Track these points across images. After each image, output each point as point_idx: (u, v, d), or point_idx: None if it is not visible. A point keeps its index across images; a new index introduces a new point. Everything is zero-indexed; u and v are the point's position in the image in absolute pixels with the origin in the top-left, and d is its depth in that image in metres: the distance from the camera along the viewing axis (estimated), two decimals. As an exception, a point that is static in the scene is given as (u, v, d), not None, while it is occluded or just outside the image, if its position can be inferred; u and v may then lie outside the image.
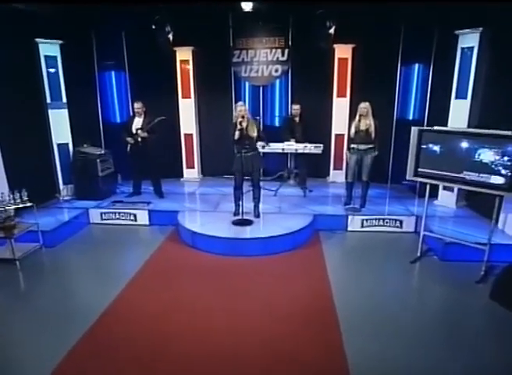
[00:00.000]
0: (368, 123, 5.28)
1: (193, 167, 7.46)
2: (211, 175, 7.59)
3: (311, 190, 6.53)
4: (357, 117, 5.34)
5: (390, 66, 6.49)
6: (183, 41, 6.52)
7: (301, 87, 6.87)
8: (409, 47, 6.27)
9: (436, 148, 4.11)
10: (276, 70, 6.95)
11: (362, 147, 5.36)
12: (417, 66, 6.31)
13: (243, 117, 4.82)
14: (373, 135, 5.29)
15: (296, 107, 6.39)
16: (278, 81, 7.10)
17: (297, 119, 6.46)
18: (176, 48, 6.71)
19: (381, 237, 5.24)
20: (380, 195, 6.27)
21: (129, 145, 5.94)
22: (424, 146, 4.19)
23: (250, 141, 4.95)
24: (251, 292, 3.88)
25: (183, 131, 7.24)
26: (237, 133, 4.84)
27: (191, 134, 7.26)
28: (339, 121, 6.81)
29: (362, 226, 5.41)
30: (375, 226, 5.39)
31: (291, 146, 6.25)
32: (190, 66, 6.91)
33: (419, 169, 4.32)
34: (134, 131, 5.91)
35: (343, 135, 6.81)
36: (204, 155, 7.58)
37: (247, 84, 7.14)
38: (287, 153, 6.74)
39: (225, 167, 7.13)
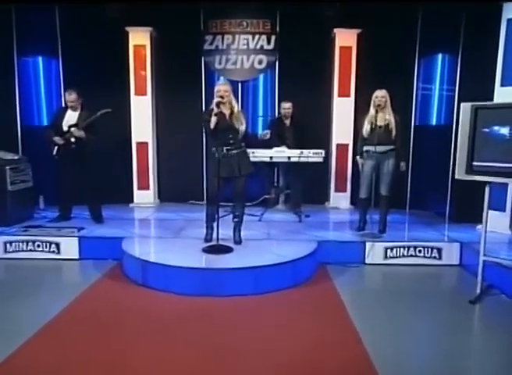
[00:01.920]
0: (387, 117, 4.51)
1: (148, 188, 6.34)
2: (171, 200, 6.47)
3: (307, 215, 5.51)
4: (372, 110, 4.55)
5: (406, 57, 5.89)
6: (139, 20, 5.74)
7: (292, 83, 6.10)
8: (430, 31, 5.69)
9: (504, 130, 3.27)
10: (260, 62, 6.22)
11: (381, 149, 4.50)
12: (440, 56, 5.72)
13: (222, 98, 3.85)
14: (394, 133, 4.50)
15: (287, 105, 5.56)
16: (262, 76, 6.38)
17: (288, 121, 5.64)
18: (128, 29, 5.88)
19: (413, 271, 4.24)
20: (399, 220, 5.36)
21: (56, 147, 4.82)
22: (486, 129, 3.33)
23: (234, 135, 3.97)
24: (240, 351, 2.68)
25: (134, 139, 6.20)
26: (213, 119, 3.83)
27: (146, 143, 6.22)
28: (342, 127, 6.03)
29: (386, 258, 4.40)
30: (404, 256, 4.39)
31: (282, 153, 5.29)
32: (148, 70, 6.09)
33: (474, 164, 3.42)
34: (66, 128, 4.83)
35: (346, 145, 6.03)
36: (163, 173, 6.53)
37: (222, 79, 6.29)
38: (274, 167, 5.86)
39: (192, 190, 6.26)
